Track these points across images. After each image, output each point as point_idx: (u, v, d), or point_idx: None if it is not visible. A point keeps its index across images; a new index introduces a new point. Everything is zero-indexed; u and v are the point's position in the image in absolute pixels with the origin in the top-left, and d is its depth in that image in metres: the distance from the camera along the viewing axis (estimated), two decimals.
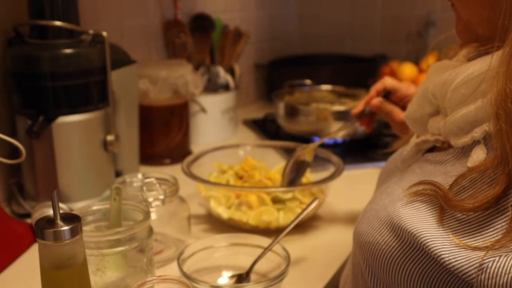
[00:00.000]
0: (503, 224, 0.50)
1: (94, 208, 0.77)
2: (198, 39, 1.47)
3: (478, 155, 0.56)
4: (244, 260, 0.82)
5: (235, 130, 1.54)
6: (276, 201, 0.96)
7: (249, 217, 0.95)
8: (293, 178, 0.96)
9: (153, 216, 0.86)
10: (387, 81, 0.89)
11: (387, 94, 0.89)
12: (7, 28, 0.99)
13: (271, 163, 1.11)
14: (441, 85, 0.62)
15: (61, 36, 0.98)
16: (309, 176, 1.07)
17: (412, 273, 0.55)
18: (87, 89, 1.00)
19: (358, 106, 0.93)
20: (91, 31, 0.99)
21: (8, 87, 1.02)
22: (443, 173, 0.59)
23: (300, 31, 2.08)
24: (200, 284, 0.73)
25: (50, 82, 0.96)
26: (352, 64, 1.82)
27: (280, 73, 1.78)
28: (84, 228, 0.73)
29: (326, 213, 1.04)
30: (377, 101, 0.89)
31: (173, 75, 1.28)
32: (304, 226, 0.99)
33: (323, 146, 1.05)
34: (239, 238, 0.85)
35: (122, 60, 1.13)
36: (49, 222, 0.56)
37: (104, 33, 0.99)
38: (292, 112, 1.40)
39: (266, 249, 0.81)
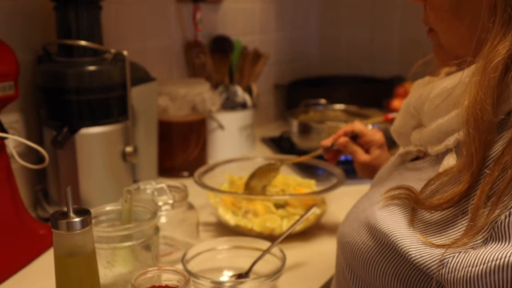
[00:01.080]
0: (464, 223, 0.54)
1: (108, 208, 0.84)
2: (217, 60, 1.55)
3: (449, 162, 0.60)
4: (244, 261, 0.88)
5: (252, 147, 1.60)
6: (279, 206, 1.02)
7: (254, 224, 1.01)
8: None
9: (163, 219, 0.93)
10: (356, 126, 0.97)
11: (355, 137, 0.96)
12: (37, 48, 1.09)
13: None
14: (420, 98, 0.67)
15: (85, 54, 1.07)
16: (314, 187, 1.12)
17: (386, 270, 0.60)
18: (108, 103, 1.09)
19: (328, 140, 1.00)
20: (113, 50, 1.08)
21: (37, 101, 1.11)
22: (418, 179, 0.64)
23: (320, 53, 2.15)
24: (202, 280, 0.79)
25: (74, 96, 1.05)
26: (368, 85, 1.88)
27: (299, 94, 1.84)
28: (97, 225, 0.81)
29: (329, 223, 1.09)
30: (343, 140, 0.96)
31: (192, 93, 1.36)
32: (306, 234, 1.04)
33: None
34: (241, 241, 0.91)
35: (142, 77, 1.21)
36: (63, 214, 0.63)
37: (125, 52, 1.08)
38: (305, 129, 1.46)
39: (265, 252, 0.87)
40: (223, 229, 1.06)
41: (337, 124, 1.50)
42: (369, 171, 0.93)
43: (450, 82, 0.62)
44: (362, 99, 1.72)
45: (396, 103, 1.64)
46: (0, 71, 0.91)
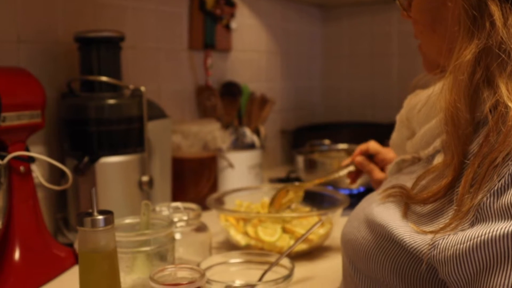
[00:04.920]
0: (452, 211, 0.60)
1: (127, 221, 0.90)
2: (226, 103, 1.64)
3: (438, 161, 0.67)
4: (256, 274, 0.93)
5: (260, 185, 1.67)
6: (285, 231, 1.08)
7: (264, 244, 1.06)
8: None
9: (177, 236, 0.99)
10: (371, 145, 1.05)
11: (371, 156, 1.03)
12: (62, 85, 1.18)
13: None
14: (410, 108, 0.75)
15: (106, 90, 1.16)
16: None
17: (384, 262, 0.65)
18: (126, 135, 1.17)
19: (347, 160, 1.08)
20: (131, 86, 1.17)
21: (60, 135, 1.19)
22: (412, 179, 0.70)
23: (324, 102, 2.25)
24: (215, 284, 0.84)
25: (95, 128, 1.13)
26: (370, 128, 1.96)
27: (304, 139, 1.92)
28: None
29: (335, 245, 1.14)
30: (360, 158, 1.05)
31: (203, 131, 1.44)
32: (313, 253, 1.09)
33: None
34: (252, 255, 0.96)
35: (157, 114, 1.30)
36: (88, 214, 0.70)
37: (143, 88, 1.17)
38: (311, 165, 1.53)
39: (275, 262, 0.92)
40: (234, 250, 1.11)
41: (341, 159, 1.57)
42: None
43: (434, 89, 0.70)
44: (364, 140, 1.79)
45: None
46: (30, 101, 1.00)
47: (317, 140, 1.75)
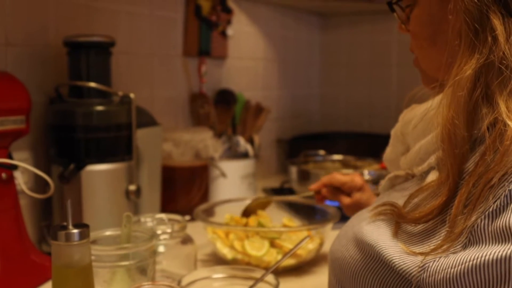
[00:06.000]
0: (444, 232, 0.58)
1: (107, 233, 0.88)
2: (220, 111, 1.62)
3: (432, 178, 0.64)
4: None
5: (253, 195, 1.64)
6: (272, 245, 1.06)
7: (251, 258, 1.04)
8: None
9: (161, 248, 0.96)
10: (335, 178, 1.06)
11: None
12: (50, 90, 1.16)
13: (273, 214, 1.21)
14: (405, 123, 0.73)
15: (94, 96, 1.14)
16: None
17: (372, 283, 0.63)
18: (114, 142, 1.14)
19: (314, 185, 1.09)
20: (120, 93, 1.15)
21: (47, 141, 1.17)
22: (403, 197, 0.68)
23: (321, 110, 2.23)
24: None
25: (82, 134, 1.11)
26: (366, 139, 1.94)
27: (300, 148, 1.89)
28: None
29: (325, 260, 1.11)
30: (324, 191, 1.07)
31: (195, 139, 1.42)
32: (301, 269, 1.07)
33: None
34: (236, 270, 0.93)
35: (148, 121, 1.27)
36: (62, 227, 0.67)
37: (132, 95, 1.15)
38: (304, 176, 1.50)
39: (260, 279, 0.89)
40: (220, 264, 1.08)
41: (335, 171, 1.54)
42: (355, 210, 0.97)
43: (430, 105, 0.67)
44: (360, 152, 1.77)
45: None
46: (14, 106, 0.98)
47: (312, 151, 1.73)
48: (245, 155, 1.62)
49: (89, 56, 1.13)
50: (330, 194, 1.06)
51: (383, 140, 1.88)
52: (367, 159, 1.64)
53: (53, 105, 1.14)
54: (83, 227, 0.68)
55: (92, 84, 1.12)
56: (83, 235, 0.68)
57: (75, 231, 0.67)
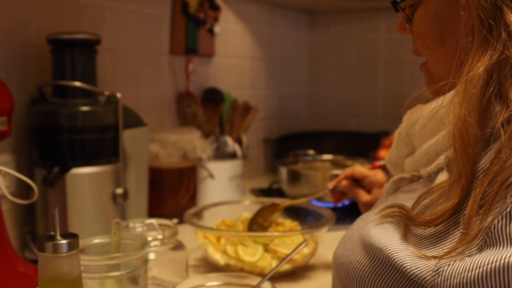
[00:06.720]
0: (458, 234, 0.55)
1: (96, 241, 0.83)
2: (208, 110, 1.58)
3: (441, 179, 0.61)
4: None
5: (241, 197, 1.60)
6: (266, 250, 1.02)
7: (244, 264, 1.00)
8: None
9: (151, 256, 0.92)
10: (357, 170, 1.01)
11: (358, 179, 1.00)
12: (32, 90, 1.11)
13: None
14: (411, 123, 0.70)
15: (79, 96, 1.09)
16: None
17: None
18: (100, 144, 1.10)
19: (332, 182, 1.04)
20: (106, 92, 1.10)
21: (30, 142, 1.12)
22: (411, 199, 0.65)
23: (308, 109, 2.20)
24: None
25: (66, 136, 1.06)
26: (355, 138, 1.92)
27: (288, 148, 1.86)
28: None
29: (320, 264, 1.09)
30: (345, 182, 1.01)
31: (182, 140, 1.37)
32: (297, 273, 1.03)
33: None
34: (231, 277, 0.90)
35: (134, 122, 1.23)
36: (50, 237, 0.63)
37: (118, 94, 1.10)
38: (295, 177, 1.47)
39: (256, 286, 0.85)
40: (213, 270, 1.05)
41: (326, 171, 1.52)
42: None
43: (436, 103, 0.65)
44: (349, 151, 1.75)
45: (382, 153, 1.67)
46: None
47: (301, 150, 1.70)
48: (233, 156, 1.58)
49: (74, 54, 1.08)
50: (350, 187, 1.00)
51: (371, 139, 1.89)
52: (357, 158, 1.61)
53: (36, 106, 1.09)
54: (72, 237, 0.64)
55: (77, 84, 1.08)
56: (72, 246, 0.63)
57: (64, 241, 0.62)
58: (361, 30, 2.06)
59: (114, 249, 0.82)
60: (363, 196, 0.98)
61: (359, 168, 1.00)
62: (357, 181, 1.00)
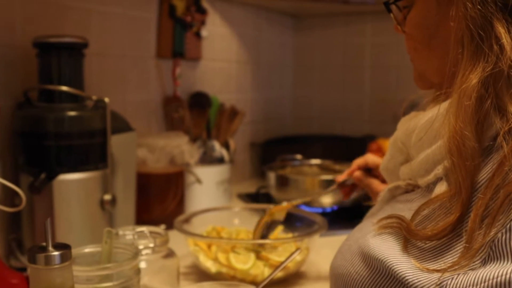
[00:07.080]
0: (460, 247, 0.54)
1: (87, 250, 0.81)
2: (195, 115, 1.56)
3: (441, 190, 0.61)
4: None
5: (229, 202, 1.59)
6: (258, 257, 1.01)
7: (236, 272, 0.99)
8: (264, 235, 1.05)
9: (143, 264, 0.90)
10: (369, 158, 0.98)
11: (369, 169, 0.97)
12: (18, 94, 1.08)
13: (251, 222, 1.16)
14: (406, 132, 0.69)
15: (66, 100, 1.07)
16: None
17: None
18: (88, 150, 1.08)
19: (342, 176, 1.01)
20: (94, 97, 1.08)
21: (15, 148, 1.09)
22: (409, 209, 0.64)
23: (294, 113, 2.19)
24: None
25: (53, 142, 1.04)
26: (341, 142, 1.91)
27: (274, 152, 1.85)
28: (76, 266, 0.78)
29: (311, 271, 1.08)
30: (358, 173, 0.98)
31: (170, 144, 1.36)
32: (289, 281, 1.02)
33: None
34: (224, 286, 0.88)
35: (122, 127, 1.21)
36: (41, 248, 0.61)
37: (106, 99, 1.08)
38: (283, 182, 1.46)
39: None
40: (204, 278, 1.03)
41: (314, 176, 1.51)
42: None
43: (432, 113, 0.64)
44: (335, 155, 1.74)
45: None
46: None
47: (288, 155, 1.69)
48: (220, 160, 1.56)
49: (60, 58, 1.06)
50: (362, 178, 0.96)
51: (356, 143, 1.89)
52: (345, 163, 1.61)
53: (22, 110, 1.07)
54: (64, 248, 0.62)
55: (64, 88, 1.05)
56: (65, 258, 0.61)
57: (56, 253, 0.61)
58: (346, 34, 2.06)
59: (105, 259, 0.79)
60: (378, 186, 0.94)
61: (371, 156, 0.97)
62: (368, 171, 0.97)
